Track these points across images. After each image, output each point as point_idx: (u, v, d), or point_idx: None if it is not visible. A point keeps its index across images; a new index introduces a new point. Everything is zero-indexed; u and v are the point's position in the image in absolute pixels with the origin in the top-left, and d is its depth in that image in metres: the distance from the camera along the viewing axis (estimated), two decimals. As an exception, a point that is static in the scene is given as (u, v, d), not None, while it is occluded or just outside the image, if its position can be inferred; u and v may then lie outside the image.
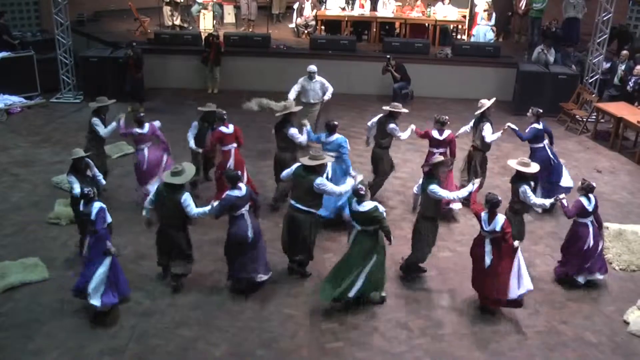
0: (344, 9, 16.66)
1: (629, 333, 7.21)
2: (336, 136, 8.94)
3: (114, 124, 9.26)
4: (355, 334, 7.02)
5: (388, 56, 14.20)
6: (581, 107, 13.65)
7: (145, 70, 13.88)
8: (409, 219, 9.29)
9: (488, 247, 7.13)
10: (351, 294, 7.25)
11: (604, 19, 13.59)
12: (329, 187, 7.54)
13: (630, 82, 13.27)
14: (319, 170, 7.64)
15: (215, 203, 7.58)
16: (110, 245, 6.99)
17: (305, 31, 16.48)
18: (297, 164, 7.80)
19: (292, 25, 17.06)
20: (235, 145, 9.22)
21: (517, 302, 7.30)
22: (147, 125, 9.16)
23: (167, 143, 9.47)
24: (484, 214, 7.09)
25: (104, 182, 8.42)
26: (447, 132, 9.15)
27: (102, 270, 6.94)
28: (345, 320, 7.23)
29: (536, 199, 7.71)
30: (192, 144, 9.50)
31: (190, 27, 16.26)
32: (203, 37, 14.81)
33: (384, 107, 9.44)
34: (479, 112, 9.44)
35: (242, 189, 7.26)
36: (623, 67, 13.64)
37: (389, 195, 10.09)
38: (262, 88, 14.42)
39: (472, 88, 14.13)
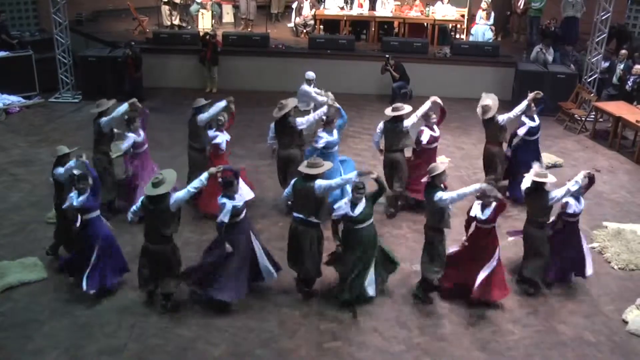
0: (342, 8, 16.67)
1: (627, 332, 7.21)
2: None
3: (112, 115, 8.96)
4: (354, 334, 7.01)
5: (387, 56, 14.22)
6: (580, 107, 13.66)
7: (144, 69, 13.92)
8: (409, 219, 9.31)
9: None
10: (371, 292, 7.34)
11: (603, 18, 13.58)
12: (331, 183, 7.25)
13: (629, 82, 13.30)
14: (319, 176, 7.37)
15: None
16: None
17: (304, 31, 16.46)
18: (293, 180, 7.55)
19: (291, 24, 17.04)
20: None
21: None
22: (141, 132, 8.92)
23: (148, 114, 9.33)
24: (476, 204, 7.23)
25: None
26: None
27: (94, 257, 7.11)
28: (344, 319, 7.22)
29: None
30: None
31: (189, 27, 16.23)
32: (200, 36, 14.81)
33: (387, 112, 9.20)
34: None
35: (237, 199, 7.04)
36: (622, 66, 13.67)
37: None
38: (261, 87, 14.48)
39: (470, 87, 14.10)
